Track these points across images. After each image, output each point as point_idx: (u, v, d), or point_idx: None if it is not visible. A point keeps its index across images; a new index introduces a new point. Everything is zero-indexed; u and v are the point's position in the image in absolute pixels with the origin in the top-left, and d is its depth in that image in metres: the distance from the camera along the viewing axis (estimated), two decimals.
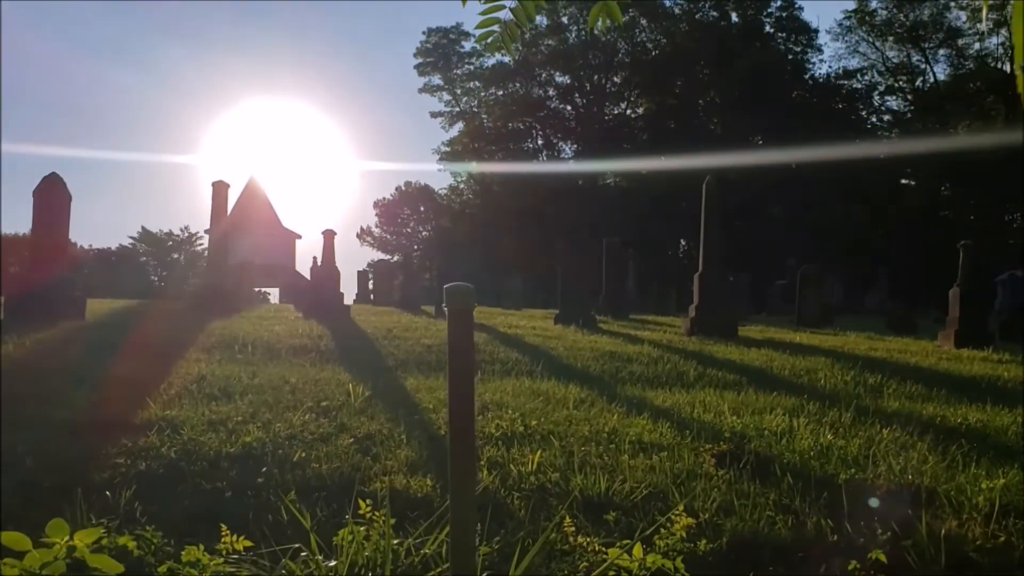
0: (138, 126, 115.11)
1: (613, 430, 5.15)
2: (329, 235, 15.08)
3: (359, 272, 33.90)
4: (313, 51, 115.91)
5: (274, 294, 46.49)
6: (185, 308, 14.05)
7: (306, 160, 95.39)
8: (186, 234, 78.44)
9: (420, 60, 63.68)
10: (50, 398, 5.71)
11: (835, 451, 4.84)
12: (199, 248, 73.44)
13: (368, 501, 3.30)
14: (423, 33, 63.52)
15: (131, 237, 76.00)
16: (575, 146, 63.61)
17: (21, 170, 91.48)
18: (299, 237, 57.08)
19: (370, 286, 33.21)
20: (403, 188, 69.56)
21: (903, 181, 56.35)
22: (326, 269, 14.48)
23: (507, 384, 6.89)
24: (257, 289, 56.86)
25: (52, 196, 11.27)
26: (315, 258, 22.49)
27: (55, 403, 5.56)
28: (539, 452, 4.45)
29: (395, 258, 69.99)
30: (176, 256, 79.82)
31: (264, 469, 4.18)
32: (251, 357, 8.01)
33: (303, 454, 4.43)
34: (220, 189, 15.17)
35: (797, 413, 6.02)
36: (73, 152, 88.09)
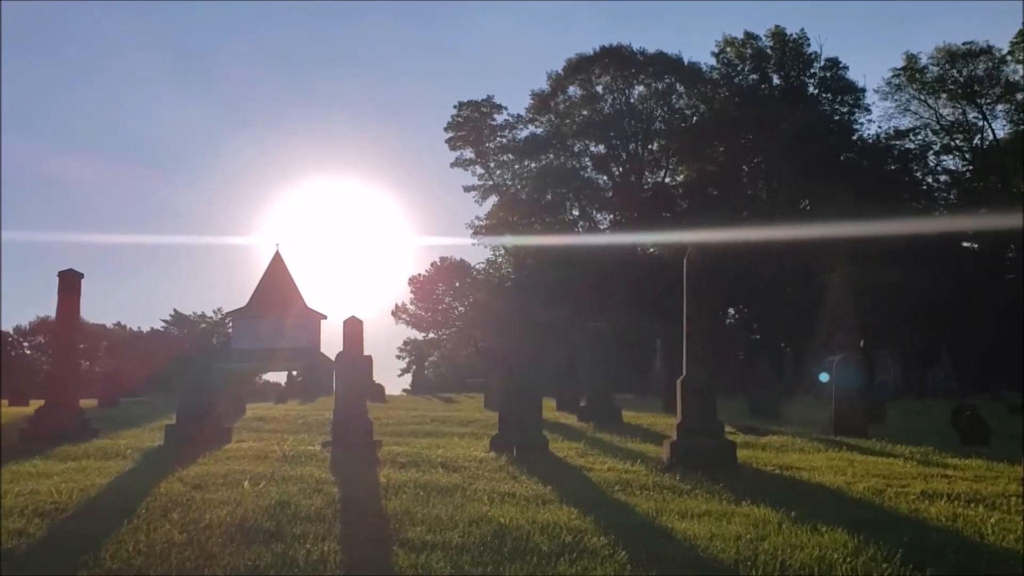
0: (176, 210, 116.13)
1: None
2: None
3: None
4: (342, 126, 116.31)
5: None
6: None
7: (341, 237, 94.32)
8: (219, 315, 76.73)
9: (451, 134, 61.85)
10: None
11: None
12: (231, 330, 71.36)
13: None
14: (454, 107, 61.81)
15: (163, 320, 74.85)
16: (612, 215, 60.79)
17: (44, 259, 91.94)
18: (324, 317, 54.33)
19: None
20: (438, 263, 67.14)
21: (964, 244, 52.26)
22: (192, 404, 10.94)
23: None
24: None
25: None
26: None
27: None
28: None
29: (427, 336, 67.16)
30: (212, 339, 78.00)
31: None
32: None
33: None
34: (68, 280, 11.96)
35: None
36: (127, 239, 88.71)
